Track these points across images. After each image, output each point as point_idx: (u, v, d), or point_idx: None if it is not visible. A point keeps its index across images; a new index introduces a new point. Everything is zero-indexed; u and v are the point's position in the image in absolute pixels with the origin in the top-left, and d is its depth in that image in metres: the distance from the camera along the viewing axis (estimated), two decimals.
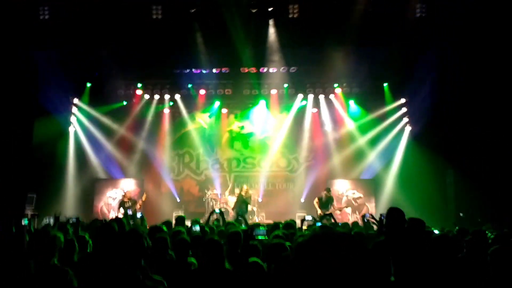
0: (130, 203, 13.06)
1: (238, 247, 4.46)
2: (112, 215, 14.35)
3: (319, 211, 12.83)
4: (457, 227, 7.61)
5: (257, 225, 6.62)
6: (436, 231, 6.81)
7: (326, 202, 13.11)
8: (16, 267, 3.19)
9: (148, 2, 12.50)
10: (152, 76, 15.25)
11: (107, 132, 15.48)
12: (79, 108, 15.45)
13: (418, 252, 4.09)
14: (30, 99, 13.42)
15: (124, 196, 13.54)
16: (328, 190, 13.31)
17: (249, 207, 13.84)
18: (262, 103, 15.93)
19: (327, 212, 12.43)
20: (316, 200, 13.23)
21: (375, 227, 7.31)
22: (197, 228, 6.45)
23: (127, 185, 15.06)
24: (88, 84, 15.18)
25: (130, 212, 12.48)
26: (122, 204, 13.23)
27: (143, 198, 13.35)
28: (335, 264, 1.14)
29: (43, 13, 12.20)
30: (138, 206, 12.98)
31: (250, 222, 11.40)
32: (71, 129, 15.44)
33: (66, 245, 3.94)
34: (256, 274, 3.37)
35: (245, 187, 13.94)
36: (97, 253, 4.17)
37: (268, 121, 16.34)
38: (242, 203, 13.22)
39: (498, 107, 12.03)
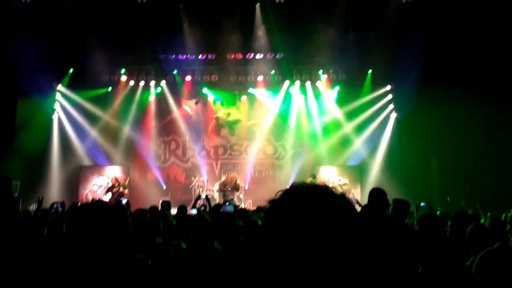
0: (117, 188, 13.10)
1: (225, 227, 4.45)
2: None
3: None
4: (439, 210, 7.72)
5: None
6: (423, 204, 7.01)
7: None
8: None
9: None
10: (137, 61, 15.06)
11: (92, 118, 15.31)
12: (63, 94, 15.27)
13: (402, 233, 4.12)
14: (12, 84, 13.20)
15: (112, 183, 13.55)
16: (314, 176, 13.37)
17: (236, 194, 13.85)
18: (248, 89, 15.86)
19: None
20: None
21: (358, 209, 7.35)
22: (194, 211, 6.48)
23: (113, 172, 14.93)
24: (71, 70, 14.98)
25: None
26: (110, 189, 13.26)
27: (126, 182, 13.39)
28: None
29: None
30: (122, 189, 13.03)
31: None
32: (54, 116, 15.26)
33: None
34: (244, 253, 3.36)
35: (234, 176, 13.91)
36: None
37: (254, 108, 16.29)
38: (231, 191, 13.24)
39: (483, 93, 12.15)
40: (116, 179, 13.32)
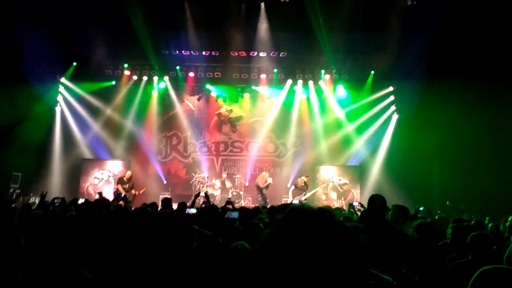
0: (128, 185, 13.15)
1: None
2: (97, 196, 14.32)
3: (290, 199, 13.00)
4: (437, 215, 7.73)
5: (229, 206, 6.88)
6: (422, 208, 7.09)
7: (301, 189, 13.35)
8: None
9: None
10: (141, 56, 15.02)
11: (94, 112, 15.33)
12: (66, 87, 15.29)
13: (400, 239, 4.14)
14: (16, 73, 13.14)
15: (125, 176, 13.54)
16: (306, 177, 13.64)
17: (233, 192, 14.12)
18: (251, 87, 15.87)
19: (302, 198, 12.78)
20: (292, 188, 13.53)
21: (359, 214, 7.35)
22: (193, 211, 6.57)
23: (114, 166, 15.01)
24: (74, 63, 14.99)
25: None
26: (120, 181, 13.30)
27: (140, 192, 13.44)
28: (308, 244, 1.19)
29: None
30: (132, 192, 13.09)
31: (237, 206, 11.44)
32: (57, 108, 15.30)
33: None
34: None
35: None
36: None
37: (257, 105, 16.31)
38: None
39: (484, 97, 12.10)
40: (129, 179, 13.46)
